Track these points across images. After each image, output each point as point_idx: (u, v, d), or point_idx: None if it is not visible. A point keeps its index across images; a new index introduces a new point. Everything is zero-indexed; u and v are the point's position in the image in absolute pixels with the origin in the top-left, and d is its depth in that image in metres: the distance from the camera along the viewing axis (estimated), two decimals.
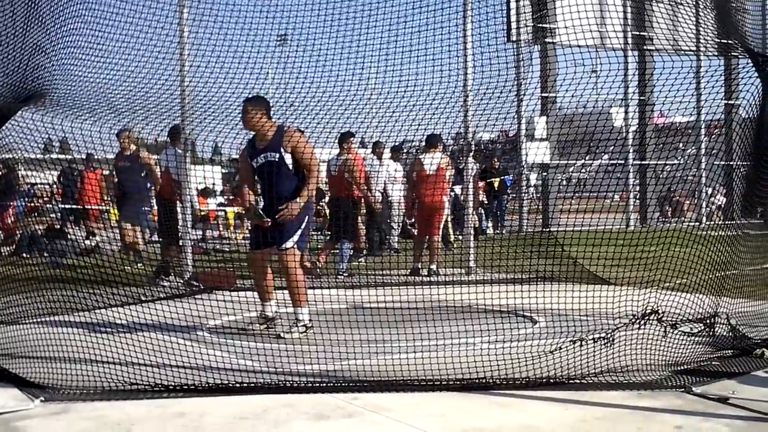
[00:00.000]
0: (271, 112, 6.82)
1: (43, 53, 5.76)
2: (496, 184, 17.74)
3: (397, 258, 12.02)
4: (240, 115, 6.75)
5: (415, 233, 12.38)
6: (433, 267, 10.94)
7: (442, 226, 11.59)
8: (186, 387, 4.85)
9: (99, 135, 5.90)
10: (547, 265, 8.14)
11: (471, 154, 11.05)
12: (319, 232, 15.85)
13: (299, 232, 6.65)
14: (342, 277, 10.60)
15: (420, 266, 11.03)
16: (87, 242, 12.12)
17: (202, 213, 17.61)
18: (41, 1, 5.68)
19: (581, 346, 5.30)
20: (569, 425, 4.20)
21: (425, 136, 10.83)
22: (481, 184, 17.11)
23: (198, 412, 4.47)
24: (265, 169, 6.72)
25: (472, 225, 11.78)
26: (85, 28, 6.20)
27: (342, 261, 10.86)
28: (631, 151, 18.16)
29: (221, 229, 18.76)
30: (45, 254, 11.07)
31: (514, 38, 11.37)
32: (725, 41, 6.22)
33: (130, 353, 5.32)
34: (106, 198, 14.86)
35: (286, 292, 6.78)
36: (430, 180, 11.07)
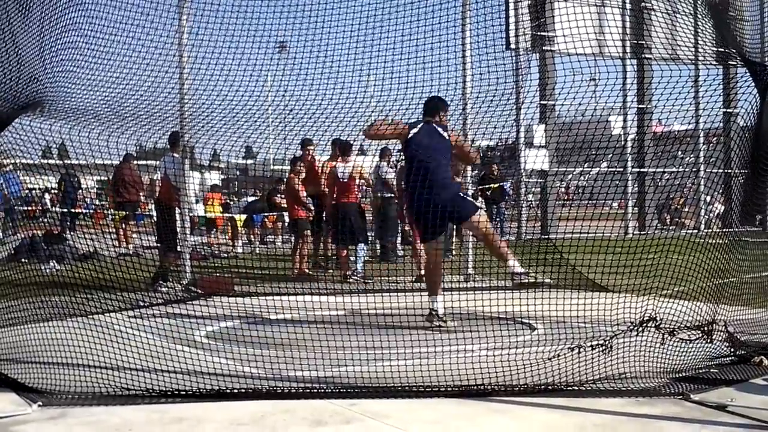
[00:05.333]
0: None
1: (41, 60, 5.76)
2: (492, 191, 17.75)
3: (396, 265, 12.03)
4: (238, 121, 6.86)
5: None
6: None
7: None
8: (184, 392, 4.85)
9: (97, 141, 5.89)
10: (546, 272, 8.12)
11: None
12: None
13: None
14: (357, 277, 10.70)
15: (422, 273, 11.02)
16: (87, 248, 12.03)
17: (208, 217, 17.30)
18: (37, 7, 5.69)
19: (579, 352, 5.30)
20: None
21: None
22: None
23: (196, 418, 4.47)
24: None
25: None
26: (85, 33, 6.21)
27: (357, 262, 10.94)
28: (629, 158, 18.19)
29: (211, 236, 17.73)
30: (44, 259, 11.02)
31: (513, 46, 11.37)
32: (723, 50, 6.24)
33: (129, 358, 5.32)
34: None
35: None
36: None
